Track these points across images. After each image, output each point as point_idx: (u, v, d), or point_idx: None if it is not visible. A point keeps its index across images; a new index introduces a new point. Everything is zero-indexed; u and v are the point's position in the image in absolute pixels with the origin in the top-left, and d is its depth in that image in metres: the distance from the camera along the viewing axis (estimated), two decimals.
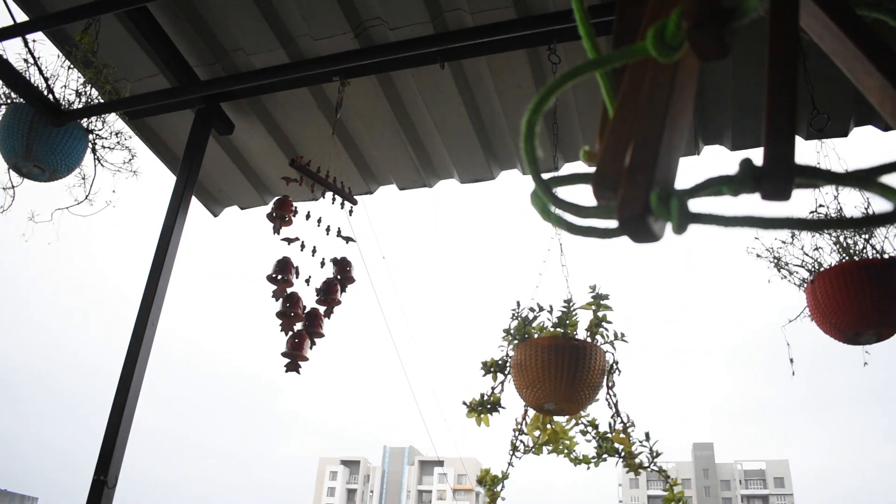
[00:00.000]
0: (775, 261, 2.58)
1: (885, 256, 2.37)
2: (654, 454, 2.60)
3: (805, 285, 2.50)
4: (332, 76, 3.31)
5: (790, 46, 0.66)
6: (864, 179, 0.64)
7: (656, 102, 0.69)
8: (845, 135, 3.31)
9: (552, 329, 2.57)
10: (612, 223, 0.66)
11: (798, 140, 3.33)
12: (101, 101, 3.23)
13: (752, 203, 0.62)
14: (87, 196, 3.29)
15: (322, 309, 3.05)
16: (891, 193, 0.62)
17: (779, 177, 0.61)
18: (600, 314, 2.60)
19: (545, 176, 0.69)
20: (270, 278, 3.02)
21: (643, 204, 0.64)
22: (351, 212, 3.17)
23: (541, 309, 2.65)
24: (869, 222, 0.63)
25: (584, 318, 2.72)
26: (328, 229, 3.09)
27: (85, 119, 3.23)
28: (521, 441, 2.77)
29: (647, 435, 2.64)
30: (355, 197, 3.33)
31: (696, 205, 0.62)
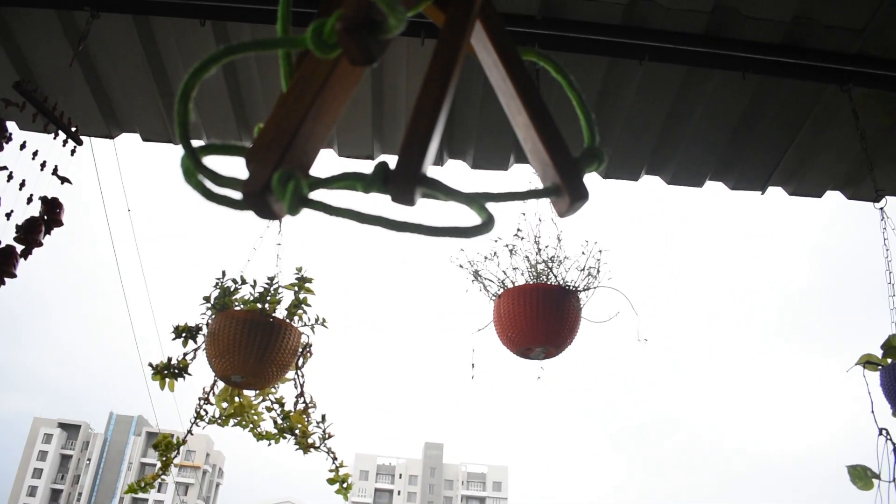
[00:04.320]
0: (474, 274, 2.81)
1: (562, 284, 2.68)
2: (327, 436, 2.71)
3: (494, 299, 2.75)
4: (84, 5, 3.09)
5: (447, 71, 0.75)
6: (471, 199, 0.76)
7: (305, 92, 0.76)
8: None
9: (253, 303, 2.59)
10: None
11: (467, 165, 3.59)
12: None
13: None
14: None
15: (19, 248, 2.81)
16: (482, 213, 0.74)
17: (404, 182, 0.70)
18: (301, 296, 2.67)
19: (204, 142, 0.73)
20: None
21: (265, 181, 0.70)
22: (73, 151, 2.97)
23: (244, 282, 2.66)
24: (447, 232, 0.74)
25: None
26: (43, 164, 2.87)
27: None
28: (206, 410, 2.76)
29: (323, 417, 2.75)
30: (92, 139, 3.13)
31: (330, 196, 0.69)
